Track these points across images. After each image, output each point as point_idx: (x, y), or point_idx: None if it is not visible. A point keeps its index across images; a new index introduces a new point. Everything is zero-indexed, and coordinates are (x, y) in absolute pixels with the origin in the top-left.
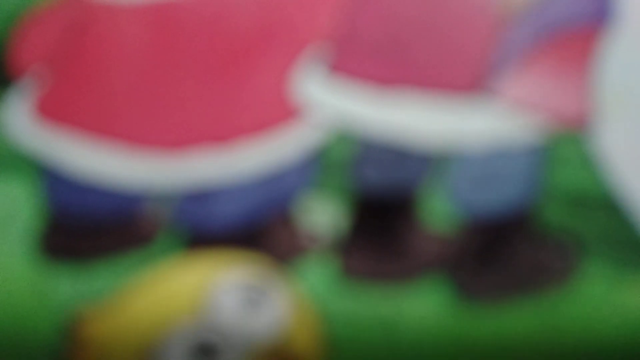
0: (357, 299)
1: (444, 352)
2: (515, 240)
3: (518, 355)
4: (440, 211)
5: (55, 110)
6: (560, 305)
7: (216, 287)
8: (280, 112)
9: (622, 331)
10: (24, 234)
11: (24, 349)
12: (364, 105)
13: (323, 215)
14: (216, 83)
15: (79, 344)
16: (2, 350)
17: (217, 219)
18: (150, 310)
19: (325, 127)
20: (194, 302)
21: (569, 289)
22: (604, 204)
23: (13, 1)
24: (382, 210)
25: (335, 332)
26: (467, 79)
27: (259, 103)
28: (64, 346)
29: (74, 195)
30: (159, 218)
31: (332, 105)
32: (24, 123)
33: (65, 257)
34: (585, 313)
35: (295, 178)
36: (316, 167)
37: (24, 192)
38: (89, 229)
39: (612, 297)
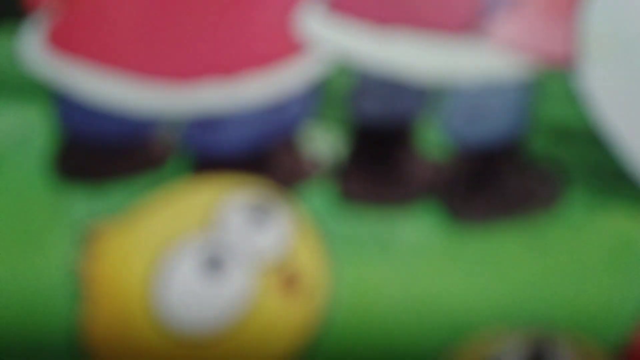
0: (355, 220)
1: (434, 269)
2: (504, 168)
3: (505, 273)
4: (434, 141)
5: (66, 41)
6: (545, 228)
7: (224, 206)
8: (284, 46)
9: (601, 252)
10: (40, 155)
11: (41, 262)
12: (362, 41)
13: (324, 143)
14: (222, 18)
15: (93, 257)
16: (21, 263)
17: (224, 144)
18: (161, 226)
19: (325, 61)
20: (203, 219)
21: (553, 214)
22: (587, 137)
23: None
24: (380, 139)
25: (334, 251)
26: (460, 19)
27: (263, 38)
28: (79, 258)
29: (87, 120)
30: (169, 143)
31: (332, 41)
32: (38, 53)
33: (80, 177)
34: (568, 236)
35: (297, 108)
36: (318, 98)
37: (39, 116)
38: (102, 151)
39: (592, 222)
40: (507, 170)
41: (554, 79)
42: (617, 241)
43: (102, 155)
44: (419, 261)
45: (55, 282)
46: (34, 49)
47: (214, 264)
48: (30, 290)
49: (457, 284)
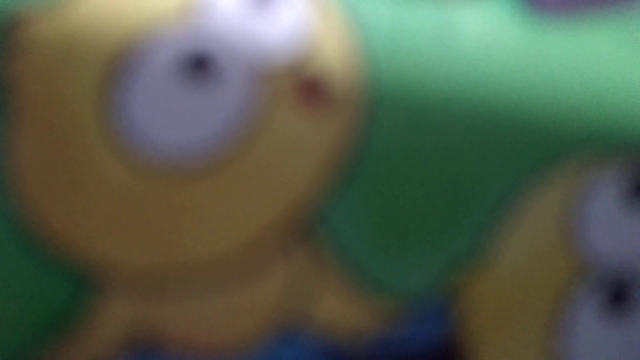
0: (403, 5)
1: (501, 65)
2: None
3: (596, 75)
4: None
5: None
6: None
7: None
8: None
9: None
10: None
11: None
12: None
13: None
14: None
15: (18, 53)
16: None
17: None
18: (122, 10)
19: None
20: (182, 2)
21: None
22: None
23: None
24: None
25: (375, 45)
26: None
27: None
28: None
29: None
30: None
31: None
32: None
33: None
34: None
35: None
36: None
37: None
38: None
39: None
40: None
41: None
42: None
43: None
44: (482, 55)
45: None
46: None
47: (198, 62)
48: None
49: (535, 88)
